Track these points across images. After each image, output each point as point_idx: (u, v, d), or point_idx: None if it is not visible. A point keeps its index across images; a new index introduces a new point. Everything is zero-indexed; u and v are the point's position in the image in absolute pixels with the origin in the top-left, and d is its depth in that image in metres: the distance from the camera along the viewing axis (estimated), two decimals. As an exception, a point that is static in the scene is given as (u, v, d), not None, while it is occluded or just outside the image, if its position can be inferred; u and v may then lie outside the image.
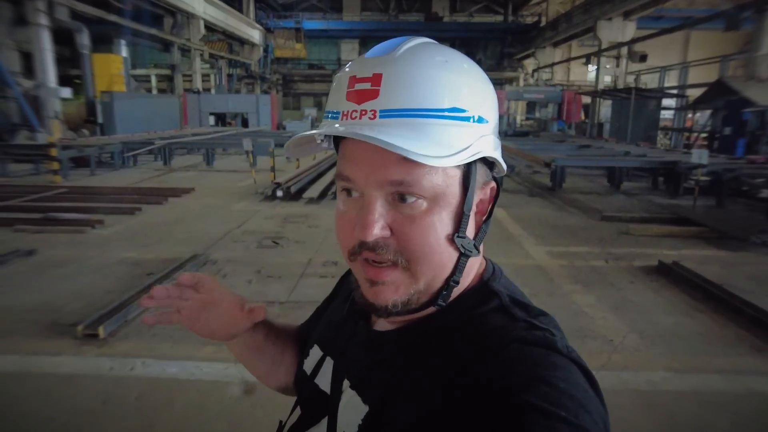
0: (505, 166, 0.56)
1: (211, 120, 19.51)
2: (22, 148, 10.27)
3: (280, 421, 0.72)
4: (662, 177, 9.20)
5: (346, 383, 0.59)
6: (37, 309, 3.52)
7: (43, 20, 13.17)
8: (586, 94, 18.96)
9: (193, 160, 13.14)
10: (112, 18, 15.98)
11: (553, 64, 28.25)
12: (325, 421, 0.59)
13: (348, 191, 0.52)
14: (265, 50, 30.02)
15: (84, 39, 15.01)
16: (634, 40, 17.72)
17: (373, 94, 0.48)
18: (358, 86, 0.49)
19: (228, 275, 4.33)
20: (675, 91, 15.13)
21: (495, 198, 0.56)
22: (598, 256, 5.04)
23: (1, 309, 3.55)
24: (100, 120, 14.92)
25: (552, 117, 19.24)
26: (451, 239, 0.51)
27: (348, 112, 0.50)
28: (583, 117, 20.88)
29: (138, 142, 12.03)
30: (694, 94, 14.64)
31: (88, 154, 10.48)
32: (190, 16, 21.26)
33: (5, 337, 3.11)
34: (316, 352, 0.68)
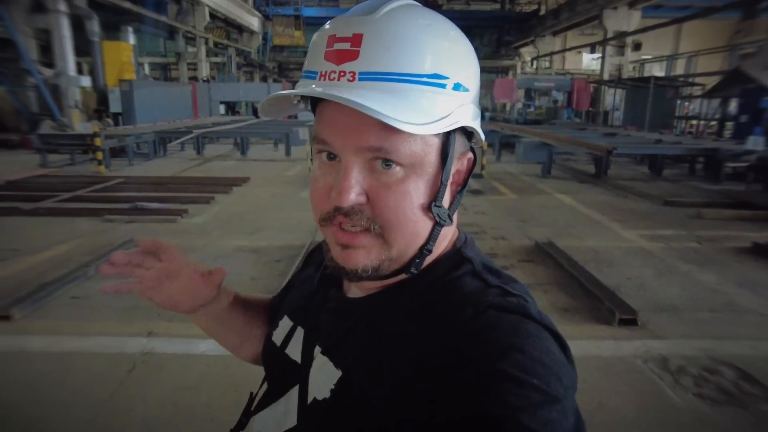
0: (483, 137, 0.55)
1: (222, 109, 19.25)
2: (66, 138, 10.07)
3: (251, 393, 0.70)
4: (701, 163, 9.50)
5: (317, 350, 0.59)
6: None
7: (62, 7, 12.86)
8: (598, 82, 19.26)
9: (222, 150, 13.04)
10: (126, 5, 15.64)
11: (553, 53, 28.52)
12: (295, 390, 0.59)
13: (325, 154, 0.51)
14: (264, 38, 29.68)
15: (94, 26, 14.65)
16: (645, 29, 18.02)
17: (353, 55, 0.47)
18: (338, 46, 0.48)
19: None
20: (692, 80, 15.48)
21: (471, 169, 0.56)
22: (688, 238, 5.27)
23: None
24: (113, 109, 14.64)
25: (562, 105, 19.46)
26: (427, 208, 0.50)
27: (326, 72, 0.48)
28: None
29: (168, 131, 11.89)
30: (703, 82, 15.05)
31: (126, 144, 10.34)
32: (195, 3, 20.91)
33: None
34: (285, 323, 0.67)
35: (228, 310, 0.75)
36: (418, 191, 0.49)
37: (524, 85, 19.44)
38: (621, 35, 19.95)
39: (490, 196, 7.35)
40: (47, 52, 13.86)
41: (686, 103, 16.87)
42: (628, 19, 20.07)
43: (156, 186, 7.69)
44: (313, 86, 0.49)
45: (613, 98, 20.69)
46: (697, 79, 15.65)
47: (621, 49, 21.35)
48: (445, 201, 0.52)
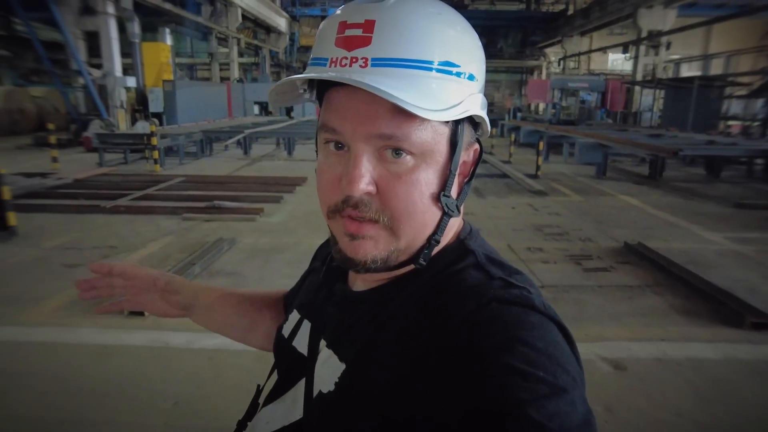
0: (489, 128, 0.55)
1: (256, 109, 19.41)
2: (124, 137, 10.25)
3: (258, 386, 0.72)
4: (762, 165, 9.33)
5: (322, 343, 0.59)
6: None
7: (111, 9, 13.10)
8: (635, 83, 19.02)
9: (265, 150, 13.14)
10: (167, 6, 15.87)
11: (581, 53, 28.23)
12: (302, 383, 0.59)
13: (333, 144, 0.50)
14: (291, 38, 29.87)
15: (135, 28, 14.87)
16: (682, 28, 17.75)
17: (365, 41, 0.46)
18: (349, 32, 0.47)
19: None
20: (741, 80, 15.20)
21: (477, 160, 0.55)
22: (777, 241, 5.19)
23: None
24: (153, 109, 14.85)
25: (596, 106, 19.28)
26: (436, 198, 0.50)
27: (337, 59, 0.47)
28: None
29: (215, 131, 12.03)
30: (746, 82, 14.74)
31: (178, 143, 10.49)
32: (228, 4, 21.14)
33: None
34: (294, 316, 0.67)
35: (221, 311, 0.81)
36: (427, 181, 0.49)
37: (557, 86, 19.32)
38: (657, 35, 19.69)
39: (555, 197, 7.31)
40: (91, 54, 14.15)
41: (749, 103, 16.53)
42: (664, 18, 19.82)
43: (218, 185, 7.79)
44: (327, 72, 0.47)
45: (647, 99, 20.47)
46: (740, 79, 15.40)
47: (654, 49, 21.12)
48: (454, 191, 0.52)
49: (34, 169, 8.85)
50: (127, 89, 14.57)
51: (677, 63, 21.27)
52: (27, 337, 2.94)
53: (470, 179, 0.55)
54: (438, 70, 0.47)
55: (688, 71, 23.59)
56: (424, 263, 0.53)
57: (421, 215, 0.50)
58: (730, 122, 16.12)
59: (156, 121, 13.61)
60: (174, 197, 6.81)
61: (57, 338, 2.95)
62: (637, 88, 20.49)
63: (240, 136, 11.11)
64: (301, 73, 0.50)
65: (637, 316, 3.37)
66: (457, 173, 0.51)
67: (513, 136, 11.69)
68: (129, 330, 3.02)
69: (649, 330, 3.17)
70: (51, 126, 10.17)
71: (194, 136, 11.13)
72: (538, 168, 8.94)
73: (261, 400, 0.69)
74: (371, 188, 0.48)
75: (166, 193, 7.12)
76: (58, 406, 2.32)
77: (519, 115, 20.39)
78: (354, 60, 0.46)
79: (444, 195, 0.50)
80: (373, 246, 0.50)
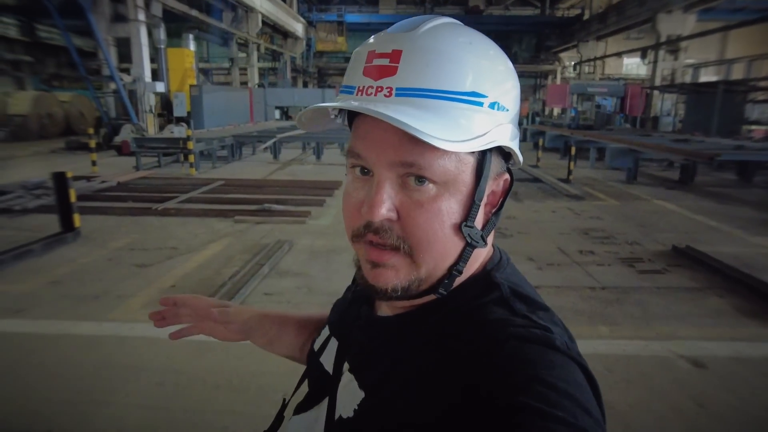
0: (521, 158, 0.54)
1: (277, 113, 19.65)
2: (162, 141, 10.47)
3: (284, 399, 0.73)
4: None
5: (345, 366, 0.59)
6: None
7: (142, 16, 13.38)
8: (655, 88, 19.02)
9: (292, 154, 13.33)
10: (193, 13, 16.16)
11: (597, 58, 28.24)
12: (325, 402, 0.59)
13: (359, 169, 0.51)
14: (308, 44, 30.17)
15: (161, 34, 15.15)
16: (703, 33, 17.75)
17: (391, 71, 0.47)
18: (377, 62, 0.48)
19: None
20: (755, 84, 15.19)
21: (507, 191, 0.54)
22: (824, 245, 5.25)
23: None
24: (177, 113, 15.09)
25: (616, 111, 19.30)
26: (458, 228, 0.49)
27: (364, 87, 0.48)
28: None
29: (244, 135, 12.24)
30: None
31: (212, 148, 10.70)
32: (249, 10, 21.44)
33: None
34: (325, 332, 0.68)
35: (275, 338, 0.81)
36: (450, 210, 0.49)
37: (577, 91, 19.37)
38: (676, 39, 19.69)
39: (592, 202, 7.41)
40: (119, 60, 14.43)
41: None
42: (683, 23, 19.81)
43: (257, 188, 7.96)
44: (351, 101, 0.48)
45: (665, 104, 20.43)
46: (762, 83, 15.36)
47: (673, 54, 21.11)
48: (479, 222, 0.51)
49: (73, 172, 9.07)
50: (157, 94, 14.83)
51: (696, 67, 21.21)
52: (128, 332, 3.09)
53: (499, 209, 0.54)
54: (464, 101, 0.47)
55: (704, 76, 23.56)
56: (444, 293, 0.52)
57: (441, 244, 0.49)
58: (753, 127, 16.12)
59: (184, 125, 13.91)
60: (219, 200, 6.98)
61: (153, 333, 3.09)
62: (656, 92, 20.51)
63: (272, 141, 11.30)
64: (327, 89, 0.61)
65: (703, 317, 3.47)
66: (483, 203, 0.51)
67: (541, 140, 11.77)
68: (219, 326, 3.16)
69: (719, 330, 3.26)
70: (90, 130, 10.42)
71: (226, 141, 11.34)
72: (570, 172, 9.03)
73: (286, 413, 0.72)
74: (392, 215, 0.48)
75: (210, 196, 7.30)
76: (177, 396, 2.46)
77: (537, 119, 20.46)
78: (380, 89, 0.47)
79: (466, 225, 0.50)
80: (394, 275, 0.50)
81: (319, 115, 0.53)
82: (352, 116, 0.53)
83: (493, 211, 0.54)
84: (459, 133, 0.45)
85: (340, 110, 0.54)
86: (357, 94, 0.49)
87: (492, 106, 0.48)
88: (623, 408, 2.42)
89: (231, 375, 2.65)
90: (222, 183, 8.32)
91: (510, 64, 0.52)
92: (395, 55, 0.47)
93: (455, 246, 0.50)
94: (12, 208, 6.16)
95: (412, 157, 0.46)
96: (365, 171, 0.50)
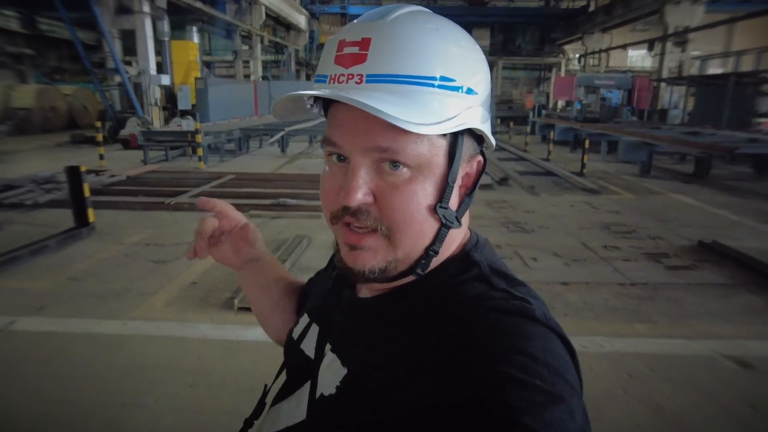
0: (493, 141, 0.55)
1: (281, 107, 19.49)
2: (169, 134, 10.36)
3: (265, 385, 0.74)
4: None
5: (327, 347, 0.60)
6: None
7: (146, 8, 13.22)
8: (664, 80, 18.85)
9: (299, 147, 13.21)
10: (197, 5, 15.98)
11: (602, 51, 28.01)
12: (307, 385, 0.61)
13: (335, 156, 0.52)
14: (310, 36, 29.91)
15: (165, 26, 15.00)
16: (713, 24, 17.53)
17: (361, 59, 0.48)
18: (347, 50, 0.49)
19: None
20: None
21: (480, 172, 0.56)
22: None
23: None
24: (182, 106, 14.95)
25: (622, 103, 19.12)
26: (433, 209, 0.51)
27: (335, 76, 0.49)
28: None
29: (251, 128, 12.12)
30: None
31: (220, 141, 10.59)
32: (252, 2, 21.24)
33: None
34: (304, 320, 0.69)
35: (266, 278, 0.82)
36: (424, 192, 0.50)
37: (584, 83, 19.16)
38: (684, 31, 19.48)
39: (608, 196, 7.31)
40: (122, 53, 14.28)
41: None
42: (691, 14, 19.60)
43: (268, 182, 7.87)
44: (324, 89, 0.50)
45: (672, 96, 20.27)
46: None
47: (680, 46, 20.91)
48: (453, 203, 0.53)
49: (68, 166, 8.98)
50: (162, 87, 14.70)
51: (703, 59, 21.03)
52: (154, 331, 3.01)
53: (472, 191, 0.55)
54: (432, 85, 0.48)
55: (711, 68, 23.34)
56: (422, 273, 0.54)
57: (418, 225, 0.51)
58: (762, 120, 15.97)
59: (190, 118, 13.79)
60: (232, 194, 6.88)
61: (180, 333, 3.02)
62: (663, 85, 20.32)
63: (281, 134, 11.19)
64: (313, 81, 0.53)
65: (738, 314, 3.38)
66: (457, 185, 0.52)
67: (552, 133, 11.64)
68: (246, 326, 3.08)
69: (759, 328, 3.18)
70: (98, 124, 10.28)
71: (234, 134, 11.22)
72: (583, 166, 8.92)
73: (268, 400, 0.71)
74: (368, 199, 0.50)
75: (222, 190, 7.21)
76: (210, 398, 2.38)
77: (544, 112, 20.29)
78: (350, 77, 0.48)
79: (441, 206, 0.51)
80: (372, 256, 0.52)
81: (294, 104, 0.54)
82: (327, 105, 0.54)
83: (467, 192, 0.55)
84: (429, 116, 0.46)
85: (316, 99, 0.55)
86: (329, 83, 0.50)
87: (460, 89, 0.49)
88: (674, 409, 2.34)
89: (264, 377, 2.56)
90: (233, 177, 8.22)
91: (478, 48, 0.53)
92: (365, 43, 0.48)
93: (431, 227, 0.52)
94: (23, 202, 6.06)
95: (385, 142, 0.47)
96: (341, 158, 0.51)
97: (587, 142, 9.07)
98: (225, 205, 0.75)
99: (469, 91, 0.50)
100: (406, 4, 0.52)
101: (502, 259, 0.58)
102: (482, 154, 0.56)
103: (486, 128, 0.53)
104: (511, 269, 0.56)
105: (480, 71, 0.52)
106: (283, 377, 0.70)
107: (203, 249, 0.74)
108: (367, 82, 0.47)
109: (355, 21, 0.51)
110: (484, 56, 0.53)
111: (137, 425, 2.19)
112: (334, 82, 0.49)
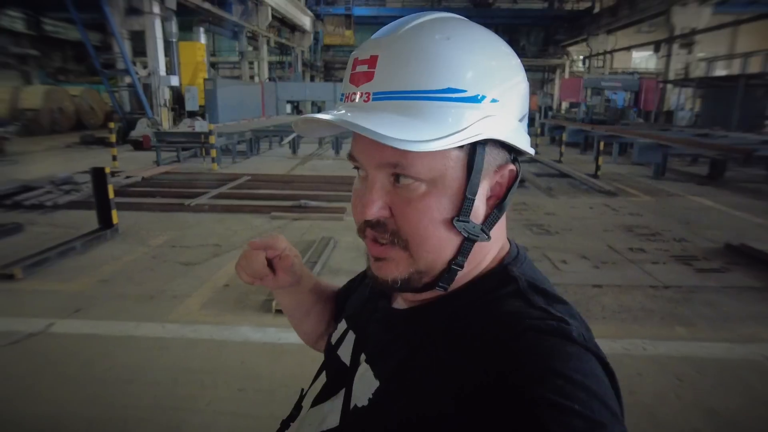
0: (530, 150, 0.53)
1: (288, 108, 19.50)
2: (182, 135, 10.36)
3: (302, 389, 0.74)
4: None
5: (362, 357, 0.60)
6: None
7: (156, 9, 13.23)
8: (671, 82, 18.84)
9: (309, 149, 13.20)
10: (206, 5, 15.99)
11: (607, 52, 28.00)
12: (341, 393, 0.61)
13: (361, 170, 0.53)
14: (315, 37, 29.95)
15: (173, 27, 15.00)
16: (720, 26, 17.56)
17: (369, 77, 0.48)
18: (359, 68, 0.49)
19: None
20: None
21: (513, 181, 0.53)
22: None
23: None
24: (189, 107, 14.95)
25: (629, 105, 19.13)
26: (450, 223, 0.50)
27: (349, 94, 0.50)
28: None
29: (262, 129, 12.11)
30: None
31: (232, 142, 10.58)
32: (258, 3, 21.26)
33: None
34: (342, 326, 0.70)
35: (306, 295, 0.80)
36: (440, 206, 0.49)
37: (591, 85, 19.19)
38: (690, 33, 19.48)
39: (626, 198, 7.29)
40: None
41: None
42: (698, 16, 19.59)
43: (284, 184, 7.86)
44: (339, 109, 0.51)
45: (679, 98, 20.27)
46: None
47: (687, 47, 20.90)
48: (479, 215, 0.51)
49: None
50: (171, 88, 14.69)
51: (710, 61, 21.03)
52: (194, 335, 3.00)
53: (503, 201, 0.53)
54: (439, 98, 0.46)
55: (717, 70, 23.35)
56: (446, 287, 0.53)
57: (435, 240, 0.50)
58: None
59: (201, 119, 13.78)
60: (250, 196, 6.88)
61: (221, 336, 3.00)
62: (669, 86, 20.32)
63: (292, 136, 11.19)
64: (339, 83, 0.55)
65: (777, 318, 3.36)
66: (484, 196, 0.51)
67: (563, 135, 11.64)
68: (285, 329, 3.06)
69: (800, 332, 3.16)
70: (111, 125, 10.25)
71: (246, 135, 11.22)
72: (598, 168, 8.90)
73: (304, 403, 0.72)
74: (384, 212, 0.50)
75: (240, 191, 7.20)
76: (261, 402, 2.37)
77: (550, 114, 20.30)
78: (360, 95, 0.49)
79: (459, 220, 0.49)
80: (394, 267, 0.52)
81: (314, 122, 0.52)
82: None
83: (497, 203, 0.53)
84: (435, 130, 0.45)
85: None
86: (345, 101, 0.51)
87: (473, 99, 0.47)
88: (728, 415, 2.33)
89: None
90: (248, 178, 8.21)
91: (500, 53, 0.50)
92: (372, 61, 0.48)
93: (450, 240, 0.51)
94: (44, 204, 6.05)
95: (394, 158, 0.47)
96: (362, 171, 0.52)
97: (603, 144, 9.04)
98: (272, 239, 0.72)
99: (484, 99, 0.48)
100: (429, 11, 0.51)
101: (541, 273, 0.57)
102: (516, 162, 0.53)
103: (516, 137, 0.50)
104: (552, 285, 0.54)
105: (503, 78, 0.50)
106: (321, 380, 0.70)
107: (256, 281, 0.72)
108: (374, 100, 0.48)
109: (372, 36, 0.51)
110: (513, 62, 0.51)
111: (192, 429, 2.18)
112: (348, 101, 0.50)
